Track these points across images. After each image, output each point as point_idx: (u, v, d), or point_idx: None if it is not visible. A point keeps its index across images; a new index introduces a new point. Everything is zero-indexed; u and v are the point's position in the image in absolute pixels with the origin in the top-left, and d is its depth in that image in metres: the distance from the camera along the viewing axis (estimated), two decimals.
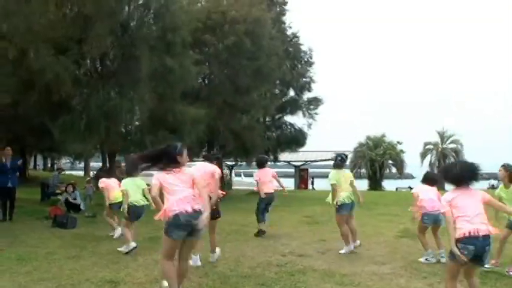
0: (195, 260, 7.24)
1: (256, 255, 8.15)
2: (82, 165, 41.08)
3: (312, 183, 47.34)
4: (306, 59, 29.58)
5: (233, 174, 42.43)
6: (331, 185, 8.75)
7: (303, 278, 6.69)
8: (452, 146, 52.72)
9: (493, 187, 48.12)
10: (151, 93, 16.49)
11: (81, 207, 14.92)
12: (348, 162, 50.53)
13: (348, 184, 8.82)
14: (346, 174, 9.06)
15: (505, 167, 7.37)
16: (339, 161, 9.02)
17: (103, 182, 10.46)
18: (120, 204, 9.48)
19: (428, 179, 8.28)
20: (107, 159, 20.39)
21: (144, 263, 7.71)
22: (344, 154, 9.37)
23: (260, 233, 10.31)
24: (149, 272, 7.04)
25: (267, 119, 28.81)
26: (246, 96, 22.20)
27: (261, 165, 10.95)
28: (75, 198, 15.01)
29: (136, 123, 17.95)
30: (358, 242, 8.96)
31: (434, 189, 8.09)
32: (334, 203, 8.64)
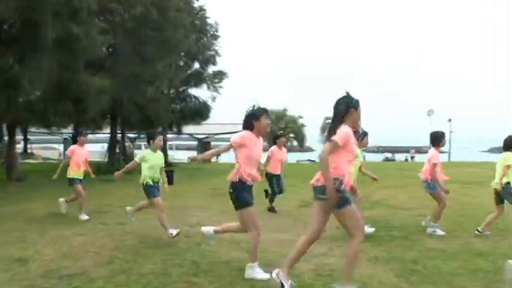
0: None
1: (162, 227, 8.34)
2: None
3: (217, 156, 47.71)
4: (212, 32, 29.67)
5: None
6: None
7: (211, 248, 6.97)
8: None
9: (387, 159, 50.96)
10: (54, 62, 15.90)
11: None
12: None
13: None
14: None
15: None
16: None
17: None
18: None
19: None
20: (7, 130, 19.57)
21: (52, 239, 7.66)
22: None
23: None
24: (58, 248, 7.05)
25: (172, 91, 28.71)
26: (151, 67, 21.98)
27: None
28: None
29: (38, 93, 17.26)
30: None
31: None
32: None
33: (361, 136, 7.70)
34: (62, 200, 10.08)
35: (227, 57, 56.31)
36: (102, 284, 5.39)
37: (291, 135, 49.95)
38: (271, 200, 10.66)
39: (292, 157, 47.66)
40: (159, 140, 8.01)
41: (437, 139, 8.27)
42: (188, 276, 5.63)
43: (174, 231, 7.37)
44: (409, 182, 16.96)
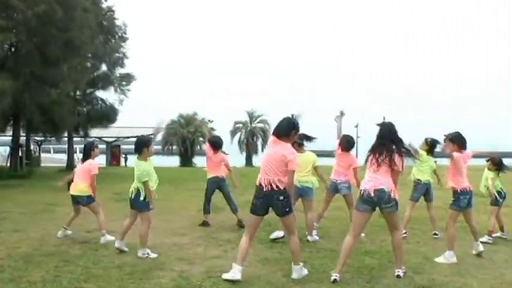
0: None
1: None
2: None
3: (125, 160, 47.02)
4: (120, 34, 29.16)
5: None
6: None
7: (106, 252, 7.02)
8: (261, 125, 55.95)
9: None
10: None
11: None
12: (159, 139, 50.35)
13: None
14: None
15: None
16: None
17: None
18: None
19: None
20: None
21: None
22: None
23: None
24: None
25: (78, 94, 27.98)
26: (55, 68, 21.33)
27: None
28: None
29: None
30: None
31: None
32: None
33: None
34: None
35: (145, 58, 55.47)
36: None
37: (201, 139, 50.00)
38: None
39: (203, 161, 47.74)
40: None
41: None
42: (79, 282, 5.64)
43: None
44: None
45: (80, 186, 8.03)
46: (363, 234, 7.48)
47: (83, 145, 8.87)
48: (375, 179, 5.86)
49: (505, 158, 9.10)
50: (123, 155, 47.39)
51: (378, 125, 6.22)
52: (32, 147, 32.78)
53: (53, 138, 30.33)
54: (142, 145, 6.98)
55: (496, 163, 8.49)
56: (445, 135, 7.27)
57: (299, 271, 5.89)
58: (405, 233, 8.28)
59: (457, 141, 7.02)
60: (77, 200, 8.12)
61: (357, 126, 47.78)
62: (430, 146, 8.51)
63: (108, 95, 29.78)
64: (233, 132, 55.82)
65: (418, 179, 8.59)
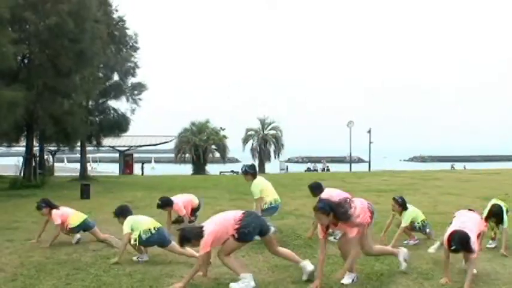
0: None
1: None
2: None
3: (142, 169, 47.49)
4: (131, 44, 29.41)
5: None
6: None
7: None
8: (273, 132, 55.92)
9: (309, 170, 52.10)
10: None
11: None
12: (172, 147, 51.07)
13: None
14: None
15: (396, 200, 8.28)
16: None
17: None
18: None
19: None
20: None
21: None
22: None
23: None
24: None
25: (90, 103, 28.20)
26: (67, 79, 21.56)
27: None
28: None
29: None
30: None
31: None
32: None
33: None
34: None
35: (147, 69, 55.92)
36: None
37: (213, 146, 50.08)
38: None
39: (215, 169, 47.90)
40: None
41: None
42: None
43: None
44: None
45: None
46: None
47: None
48: None
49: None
50: (140, 164, 47.97)
51: None
52: (45, 157, 33.03)
53: (66, 148, 30.60)
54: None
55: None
56: None
57: None
58: (417, 239, 8.28)
59: None
60: None
61: (369, 131, 47.74)
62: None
63: (120, 105, 30.07)
64: (245, 140, 55.80)
65: None
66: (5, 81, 18.07)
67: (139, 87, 29.98)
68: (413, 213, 8.26)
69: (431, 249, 7.51)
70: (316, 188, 8.98)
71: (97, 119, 29.10)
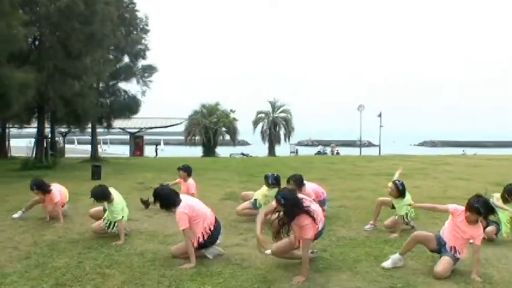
0: None
1: (86, 222, 8.35)
2: None
3: (156, 150, 47.84)
4: (141, 26, 29.38)
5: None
6: None
7: (129, 240, 7.17)
8: (283, 115, 55.85)
9: (319, 153, 52.17)
10: None
11: None
12: (182, 129, 51.13)
13: None
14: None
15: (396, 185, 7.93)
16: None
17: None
18: None
19: None
20: None
21: None
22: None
23: None
24: None
25: (101, 85, 28.27)
26: (78, 61, 21.57)
27: None
28: None
29: None
30: None
31: None
32: None
33: None
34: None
35: (159, 50, 55.81)
36: (15, 279, 5.47)
37: (223, 129, 50.14)
38: None
39: (225, 151, 48.02)
40: None
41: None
42: (101, 268, 5.81)
43: None
44: (334, 174, 17.60)
45: None
46: None
47: None
48: None
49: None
50: (155, 146, 48.38)
51: None
52: (56, 138, 33.22)
53: (77, 130, 30.77)
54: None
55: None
56: None
57: None
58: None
59: None
60: None
61: (380, 115, 47.56)
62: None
63: (130, 87, 30.15)
64: (255, 122, 55.80)
65: None
66: (16, 63, 18.08)
67: (150, 69, 30.01)
68: (408, 201, 8.03)
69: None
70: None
71: (107, 100, 29.19)
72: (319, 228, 5.83)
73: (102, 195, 7.39)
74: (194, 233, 6.10)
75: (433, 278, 5.56)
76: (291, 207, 5.50)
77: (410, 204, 7.77)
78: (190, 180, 10.15)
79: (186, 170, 10.16)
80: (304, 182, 8.52)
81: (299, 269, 5.65)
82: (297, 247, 5.84)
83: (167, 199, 6.20)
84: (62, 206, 8.94)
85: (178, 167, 10.37)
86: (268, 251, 5.98)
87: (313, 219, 5.53)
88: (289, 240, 5.81)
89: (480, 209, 5.70)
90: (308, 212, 5.53)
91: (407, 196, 7.97)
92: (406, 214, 7.90)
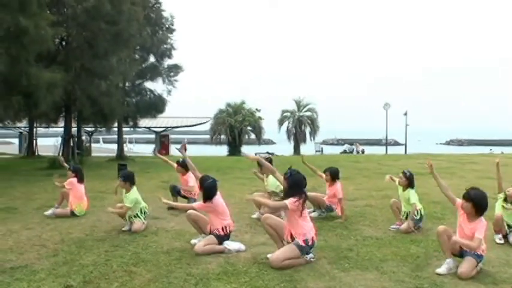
0: None
1: (112, 220, 8.44)
2: None
3: (185, 150, 47.93)
4: (167, 26, 29.58)
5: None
6: None
7: (155, 238, 7.21)
8: (308, 114, 55.69)
9: (345, 152, 51.79)
10: (3, 55, 15.63)
11: None
12: (207, 128, 51.19)
13: None
14: None
15: (404, 173, 8.04)
16: None
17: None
18: None
19: None
20: None
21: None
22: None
23: None
24: (4, 242, 7.22)
25: (127, 85, 28.53)
26: (104, 61, 21.85)
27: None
28: None
29: None
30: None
31: None
32: None
33: None
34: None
35: (184, 51, 55.99)
36: (43, 276, 5.53)
37: (249, 128, 50.16)
38: None
39: (251, 150, 48.02)
40: None
41: None
42: (128, 266, 5.85)
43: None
44: (360, 173, 17.45)
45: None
46: None
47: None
48: None
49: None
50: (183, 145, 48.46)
51: None
52: (82, 137, 33.62)
53: (103, 129, 31.10)
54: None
55: None
56: None
57: None
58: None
59: None
60: None
61: (405, 114, 47.10)
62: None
63: (156, 86, 30.46)
64: (281, 121, 55.74)
65: None
66: (43, 63, 18.39)
67: (175, 68, 30.22)
68: (414, 199, 7.96)
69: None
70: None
71: (133, 100, 29.48)
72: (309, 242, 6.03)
73: (129, 176, 8.25)
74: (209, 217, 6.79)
75: (458, 278, 5.47)
76: (292, 184, 6.06)
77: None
78: (189, 174, 10.21)
79: (182, 165, 10.43)
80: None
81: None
82: (285, 239, 6.12)
83: (209, 190, 6.67)
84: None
85: (177, 160, 10.71)
86: (270, 255, 6.02)
87: (303, 204, 5.97)
88: (289, 249, 5.94)
89: (469, 193, 5.93)
90: (303, 198, 6.00)
91: (414, 194, 7.97)
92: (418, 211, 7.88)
